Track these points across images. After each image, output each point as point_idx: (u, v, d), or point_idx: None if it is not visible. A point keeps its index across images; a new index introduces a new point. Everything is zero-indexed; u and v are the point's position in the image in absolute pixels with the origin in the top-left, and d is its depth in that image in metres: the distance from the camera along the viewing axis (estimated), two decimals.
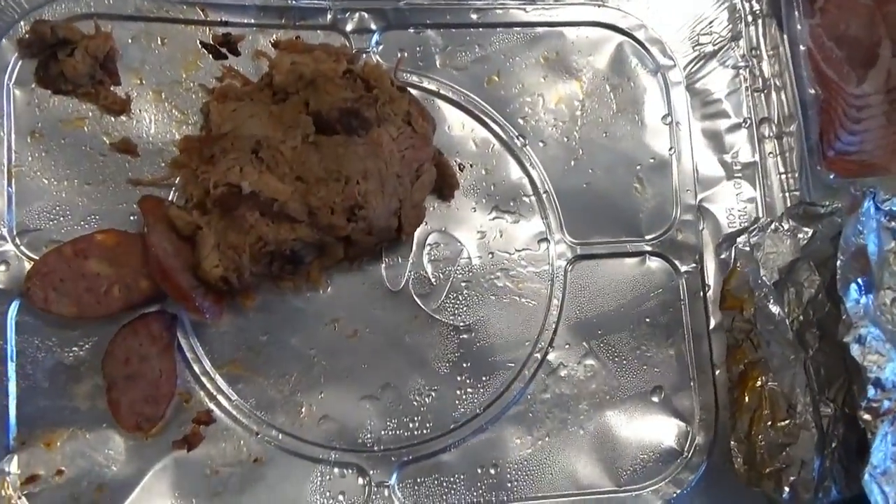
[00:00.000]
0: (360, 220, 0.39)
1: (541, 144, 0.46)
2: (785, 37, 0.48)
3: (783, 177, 0.47)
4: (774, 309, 0.39)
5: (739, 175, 0.47)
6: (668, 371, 0.45)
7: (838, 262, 0.37)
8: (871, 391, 0.35)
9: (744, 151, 0.47)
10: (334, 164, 0.39)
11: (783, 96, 0.48)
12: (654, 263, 0.46)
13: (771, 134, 0.48)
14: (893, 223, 0.44)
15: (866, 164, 0.50)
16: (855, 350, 0.35)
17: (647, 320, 0.45)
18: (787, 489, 0.38)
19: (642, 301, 0.45)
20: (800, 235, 0.41)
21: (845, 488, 0.37)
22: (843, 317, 0.36)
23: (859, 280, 0.37)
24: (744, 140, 0.48)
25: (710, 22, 0.49)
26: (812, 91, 0.48)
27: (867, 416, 0.36)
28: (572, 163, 0.46)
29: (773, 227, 0.41)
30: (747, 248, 0.41)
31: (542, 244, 0.45)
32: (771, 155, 0.48)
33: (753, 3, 0.49)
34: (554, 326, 0.44)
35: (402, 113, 0.41)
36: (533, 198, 0.46)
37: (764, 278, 0.40)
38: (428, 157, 0.42)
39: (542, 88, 0.47)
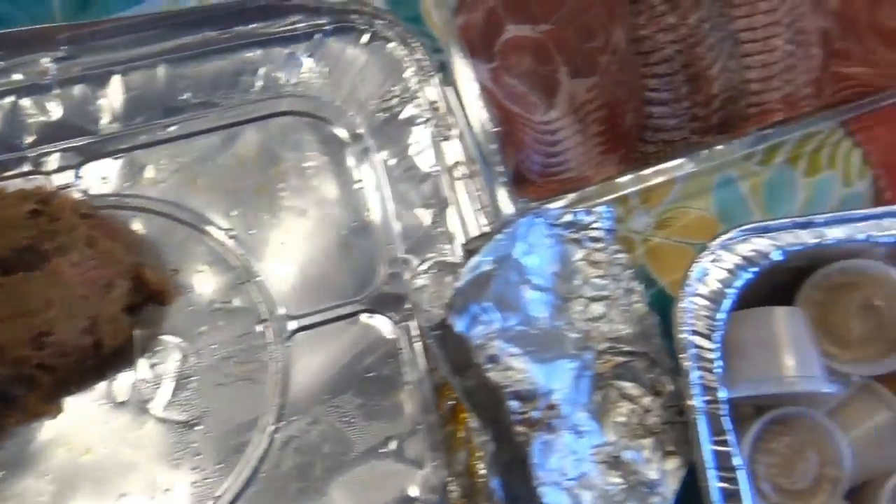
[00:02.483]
0: (48, 346, 0.42)
1: (251, 233, 0.50)
2: (464, 85, 0.52)
3: (479, 213, 0.50)
4: None
5: (439, 221, 0.50)
6: (397, 420, 0.46)
7: (455, 290, 0.39)
8: (515, 405, 0.37)
9: (440, 197, 0.50)
10: (17, 301, 0.42)
11: (470, 140, 0.51)
12: (371, 320, 0.48)
13: (464, 175, 0.51)
14: (578, 233, 0.47)
15: (572, 179, 0.53)
16: (490, 369, 0.37)
17: (371, 375, 0.47)
18: None
19: (364, 358, 0.48)
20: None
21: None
22: (469, 343, 0.38)
23: (483, 303, 0.39)
24: (438, 187, 0.50)
25: (392, 85, 0.52)
26: (497, 129, 0.51)
27: (521, 429, 0.38)
28: (281, 244, 0.49)
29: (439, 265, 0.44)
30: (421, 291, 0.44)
31: (262, 325, 0.48)
32: (466, 196, 0.50)
33: (430, 60, 0.52)
34: (280, 401, 0.46)
35: (84, 237, 0.44)
36: (248, 284, 0.49)
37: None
38: (116, 273, 0.45)
39: (243, 181, 0.50)
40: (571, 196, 0.51)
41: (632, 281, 0.47)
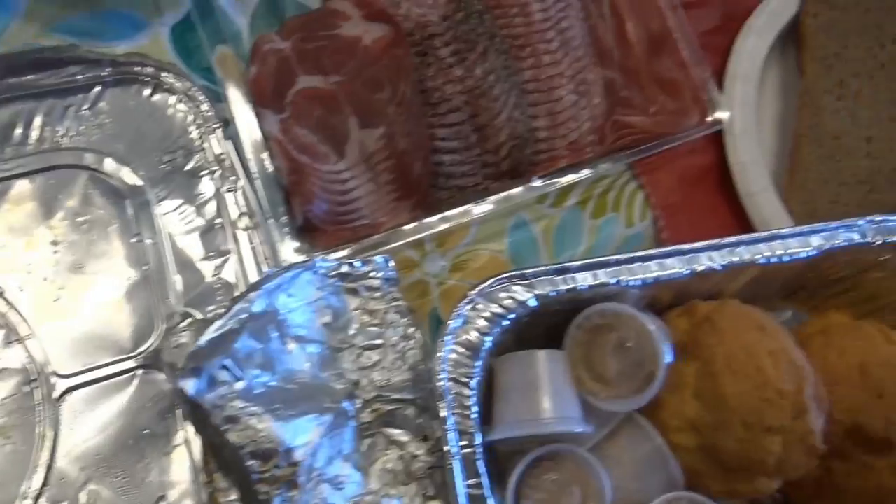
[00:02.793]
0: None
1: (21, 291, 0.48)
2: (250, 137, 0.52)
3: (262, 265, 0.50)
4: None
5: (219, 273, 0.50)
6: (172, 477, 0.46)
7: (189, 352, 0.40)
8: (254, 464, 0.38)
9: (221, 250, 0.51)
10: None
11: (255, 191, 0.52)
12: (147, 377, 0.48)
13: (247, 227, 0.51)
14: (354, 283, 0.48)
15: (365, 226, 0.55)
16: (228, 430, 0.38)
17: (146, 432, 0.47)
18: None
19: (139, 414, 0.47)
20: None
21: None
22: (204, 405, 0.38)
23: (225, 362, 0.40)
24: (220, 239, 0.51)
25: (175, 137, 0.52)
26: (285, 179, 0.52)
27: (263, 488, 0.38)
28: (54, 301, 0.48)
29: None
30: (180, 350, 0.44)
31: (30, 386, 0.47)
32: (249, 248, 0.51)
33: (215, 112, 0.53)
34: (48, 464, 0.45)
35: None
36: (16, 344, 0.47)
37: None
38: None
39: (14, 238, 0.49)
40: (365, 242, 0.52)
41: (409, 328, 0.48)
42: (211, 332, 0.40)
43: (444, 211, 0.55)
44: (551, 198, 0.60)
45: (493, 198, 0.56)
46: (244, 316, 0.41)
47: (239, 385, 0.39)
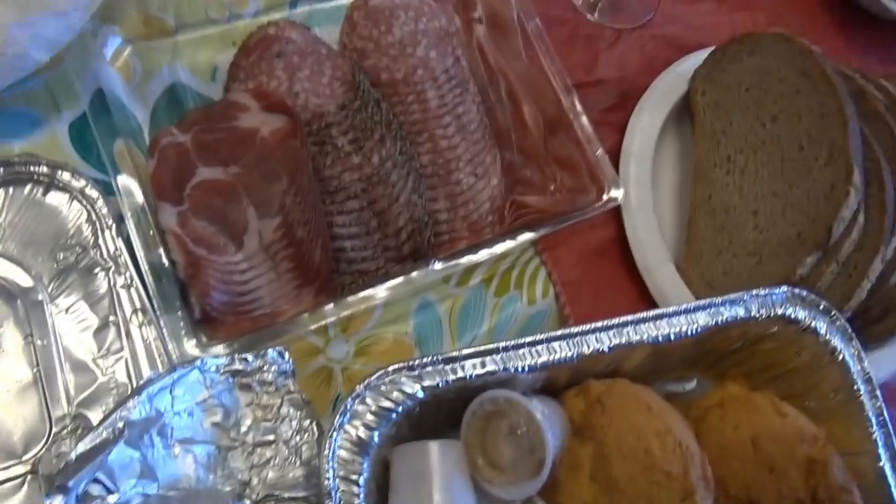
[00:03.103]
0: None
1: None
2: (144, 232, 0.52)
3: (157, 362, 0.50)
4: None
5: (113, 373, 0.50)
6: None
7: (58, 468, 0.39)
8: None
9: (115, 348, 0.50)
10: None
11: (149, 287, 0.51)
12: (38, 482, 0.47)
13: (141, 323, 0.51)
14: (247, 378, 0.48)
15: (267, 315, 0.55)
16: None
17: None
18: None
19: None
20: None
21: None
22: None
23: (98, 475, 0.39)
24: (114, 337, 0.51)
25: (69, 235, 0.52)
26: (181, 273, 0.52)
27: None
28: None
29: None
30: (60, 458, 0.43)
31: None
32: (142, 346, 0.51)
33: (110, 208, 0.53)
34: None
35: None
36: None
37: None
38: None
39: None
40: (266, 332, 0.53)
41: (304, 420, 0.49)
42: (84, 445, 0.39)
43: (346, 296, 0.56)
44: (455, 277, 0.61)
45: (395, 281, 0.57)
46: (121, 424, 0.41)
47: (112, 498, 0.39)
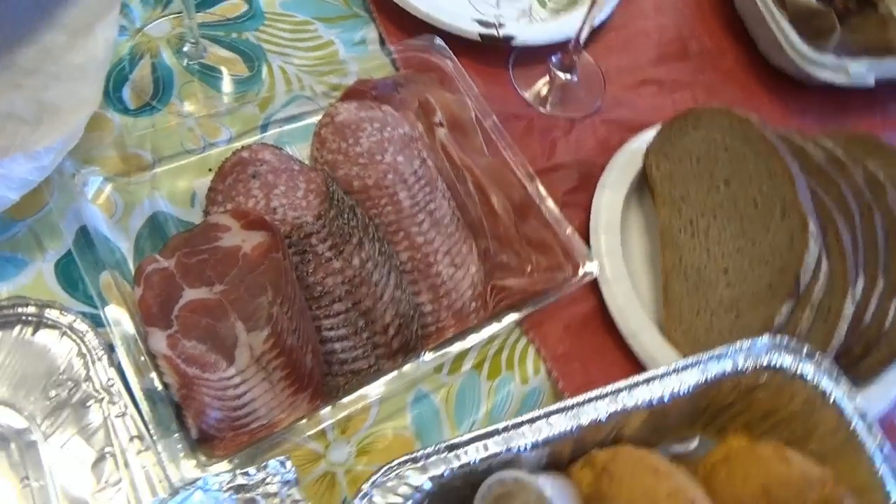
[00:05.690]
0: None
1: None
2: (134, 359, 0.53)
3: (157, 488, 0.49)
4: None
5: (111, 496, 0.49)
6: None
7: None
8: None
9: (113, 479, 0.50)
10: None
11: (144, 413, 0.51)
12: None
13: (139, 450, 0.51)
14: (251, 493, 0.47)
15: (263, 427, 0.55)
16: None
17: None
18: None
19: None
20: None
21: None
22: None
23: None
24: (111, 468, 0.50)
25: (61, 371, 0.53)
26: (175, 395, 0.52)
27: None
28: None
29: None
30: None
31: None
32: (142, 472, 0.50)
33: (99, 340, 0.54)
34: None
35: None
36: None
37: None
38: None
39: None
40: (265, 444, 0.52)
41: None
42: None
43: (341, 397, 0.56)
44: (447, 366, 0.61)
45: (388, 376, 0.57)
46: None
47: None
